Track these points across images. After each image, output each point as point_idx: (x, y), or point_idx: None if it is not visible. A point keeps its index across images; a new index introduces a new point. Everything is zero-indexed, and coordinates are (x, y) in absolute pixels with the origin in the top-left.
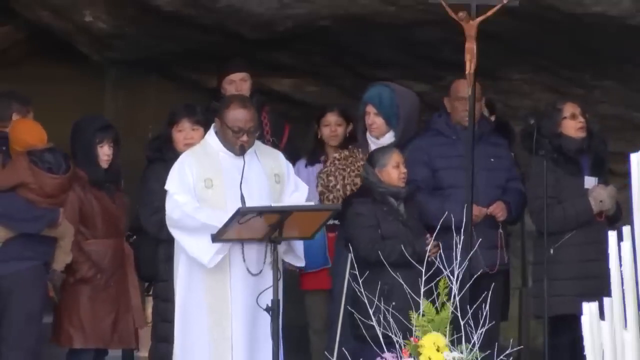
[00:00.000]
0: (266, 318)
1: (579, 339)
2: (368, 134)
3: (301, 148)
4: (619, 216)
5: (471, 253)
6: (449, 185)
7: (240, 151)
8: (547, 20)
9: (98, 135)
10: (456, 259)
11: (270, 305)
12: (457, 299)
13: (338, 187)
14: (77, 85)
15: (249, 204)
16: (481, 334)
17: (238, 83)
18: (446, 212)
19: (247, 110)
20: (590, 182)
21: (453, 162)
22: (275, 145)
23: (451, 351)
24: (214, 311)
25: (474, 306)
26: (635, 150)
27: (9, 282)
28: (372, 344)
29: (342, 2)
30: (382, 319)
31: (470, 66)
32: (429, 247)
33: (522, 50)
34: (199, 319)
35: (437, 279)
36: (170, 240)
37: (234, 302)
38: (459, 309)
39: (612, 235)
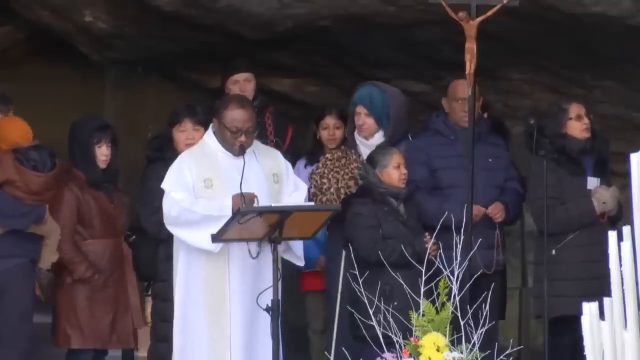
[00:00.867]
0: (265, 318)
1: (580, 339)
2: (356, 134)
3: (302, 148)
4: (620, 217)
5: (471, 253)
6: (447, 185)
7: (240, 151)
8: (547, 20)
9: (96, 135)
10: (456, 259)
11: (270, 305)
12: (457, 299)
13: (332, 190)
14: (77, 85)
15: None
16: (481, 334)
17: (242, 83)
18: (445, 212)
19: (245, 110)
20: (592, 182)
21: (452, 162)
22: (278, 146)
23: (451, 351)
24: (213, 311)
25: (474, 306)
26: (635, 150)
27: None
28: (372, 344)
29: (342, 2)
30: (382, 319)
31: (470, 66)
32: (428, 246)
33: (522, 50)
34: (197, 318)
35: (437, 279)
36: (170, 240)
37: (232, 301)
38: (459, 309)
39: (612, 235)
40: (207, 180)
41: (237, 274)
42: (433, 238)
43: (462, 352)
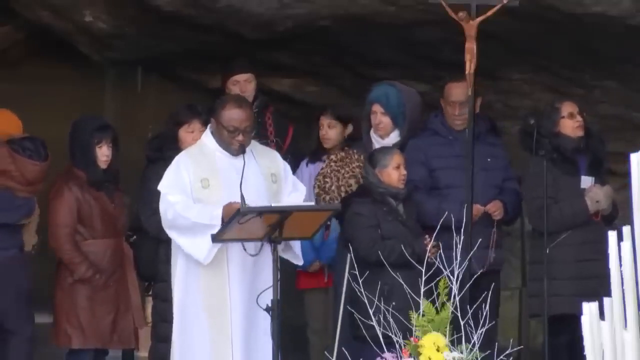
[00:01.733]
0: (265, 317)
1: (577, 338)
2: (372, 133)
3: (303, 148)
4: (615, 216)
5: (471, 253)
6: (445, 185)
7: (240, 151)
8: (547, 20)
9: (96, 135)
10: (456, 259)
11: (269, 305)
12: (457, 299)
13: (333, 188)
14: (77, 85)
15: (247, 203)
16: (481, 334)
17: (242, 84)
18: (445, 212)
19: (242, 109)
20: (587, 181)
21: (450, 162)
22: (279, 146)
23: (451, 351)
24: (213, 311)
25: (474, 306)
26: (635, 150)
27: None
28: (372, 344)
29: (342, 2)
30: (382, 319)
31: (470, 66)
32: (428, 248)
33: (522, 50)
34: (197, 319)
35: (437, 279)
36: (170, 241)
37: (233, 302)
38: (459, 309)
39: (612, 235)
40: (204, 180)
41: (236, 274)
42: (433, 238)
43: (462, 352)
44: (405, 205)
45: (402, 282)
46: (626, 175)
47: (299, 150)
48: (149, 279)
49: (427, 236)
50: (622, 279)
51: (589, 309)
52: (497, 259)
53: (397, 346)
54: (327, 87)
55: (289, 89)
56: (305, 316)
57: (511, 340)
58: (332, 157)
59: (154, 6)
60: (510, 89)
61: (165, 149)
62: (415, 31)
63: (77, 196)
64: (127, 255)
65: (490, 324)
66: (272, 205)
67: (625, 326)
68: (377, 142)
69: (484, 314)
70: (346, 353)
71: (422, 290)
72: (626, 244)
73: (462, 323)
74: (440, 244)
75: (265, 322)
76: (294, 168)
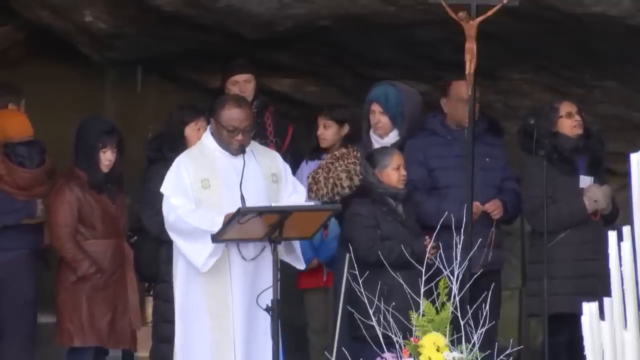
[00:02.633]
0: (265, 318)
1: (577, 338)
2: (372, 133)
3: (303, 148)
4: (615, 215)
5: (471, 253)
6: (444, 185)
7: (239, 151)
8: (547, 20)
9: (101, 139)
10: (456, 259)
11: (270, 305)
12: (457, 299)
13: (321, 179)
14: (77, 85)
15: (248, 203)
16: (481, 334)
17: (242, 84)
18: (444, 212)
19: (241, 109)
20: (585, 181)
21: (449, 162)
22: (278, 146)
23: (451, 351)
24: (215, 312)
25: (474, 306)
26: (635, 150)
27: (1, 271)
28: (372, 344)
29: (342, 2)
30: (382, 319)
31: (470, 66)
32: (428, 249)
33: (522, 50)
34: (199, 319)
35: (437, 279)
36: (171, 241)
37: (234, 302)
38: (459, 309)
39: (612, 235)
40: (205, 181)
41: (238, 276)
42: (433, 238)
43: (462, 352)
44: (404, 205)
45: (402, 282)
46: (626, 175)
47: (298, 150)
48: (149, 280)
49: (427, 237)
50: (622, 278)
51: (589, 309)
52: (497, 259)
53: (397, 346)
54: (327, 87)
55: (289, 89)
56: (305, 316)
57: (511, 340)
58: (336, 153)
59: (154, 6)
60: (510, 89)
61: (165, 149)
62: (415, 31)
63: (78, 196)
64: (127, 256)
65: (490, 324)
66: (272, 205)
67: (625, 326)
68: (377, 142)
69: (484, 314)
70: (346, 353)
71: (422, 290)
72: (626, 244)
73: (462, 323)
74: (440, 245)
75: (265, 322)
76: (294, 168)
